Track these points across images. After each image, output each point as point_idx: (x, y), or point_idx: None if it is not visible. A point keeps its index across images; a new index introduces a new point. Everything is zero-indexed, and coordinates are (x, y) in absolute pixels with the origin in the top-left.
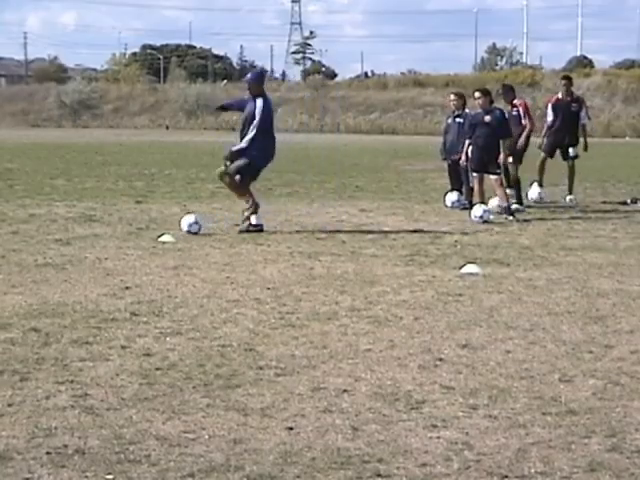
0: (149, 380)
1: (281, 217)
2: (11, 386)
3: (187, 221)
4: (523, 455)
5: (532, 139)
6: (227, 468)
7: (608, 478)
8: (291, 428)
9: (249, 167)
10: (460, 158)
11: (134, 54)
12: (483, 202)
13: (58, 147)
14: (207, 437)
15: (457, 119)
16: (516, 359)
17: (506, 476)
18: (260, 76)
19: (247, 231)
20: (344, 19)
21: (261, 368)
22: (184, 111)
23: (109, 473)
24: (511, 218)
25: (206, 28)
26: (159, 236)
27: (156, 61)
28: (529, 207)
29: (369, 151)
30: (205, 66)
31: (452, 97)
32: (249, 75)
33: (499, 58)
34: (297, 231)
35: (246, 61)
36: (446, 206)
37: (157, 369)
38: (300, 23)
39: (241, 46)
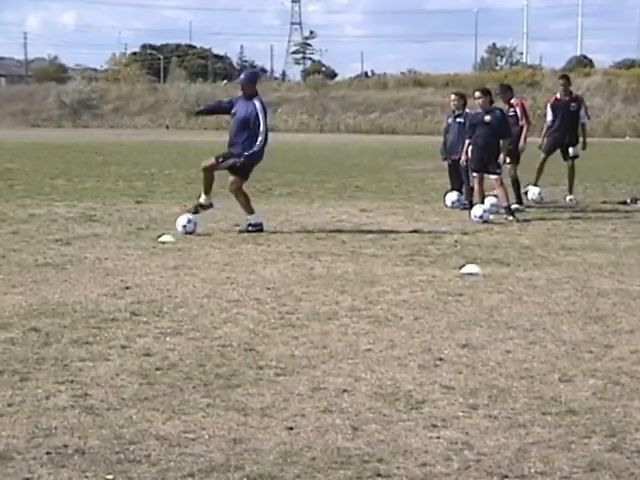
0: (149, 380)
1: (281, 217)
2: (11, 386)
3: (181, 222)
4: (523, 455)
5: (530, 139)
6: (227, 468)
7: (608, 478)
8: (291, 428)
9: (244, 167)
10: (460, 158)
11: (134, 54)
12: (483, 202)
13: (58, 147)
14: (207, 437)
15: (458, 119)
16: (516, 359)
17: (506, 476)
18: (254, 76)
19: (247, 231)
20: (344, 19)
21: (261, 368)
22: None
23: (109, 473)
24: (511, 218)
25: (206, 28)
26: (159, 236)
27: (156, 61)
28: (529, 207)
29: (369, 151)
30: (205, 66)
31: (453, 97)
32: (242, 76)
33: (499, 58)
34: (297, 231)
35: (246, 61)
36: (446, 206)
37: (157, 369)
38: (300, 23)
39: (241, 46)
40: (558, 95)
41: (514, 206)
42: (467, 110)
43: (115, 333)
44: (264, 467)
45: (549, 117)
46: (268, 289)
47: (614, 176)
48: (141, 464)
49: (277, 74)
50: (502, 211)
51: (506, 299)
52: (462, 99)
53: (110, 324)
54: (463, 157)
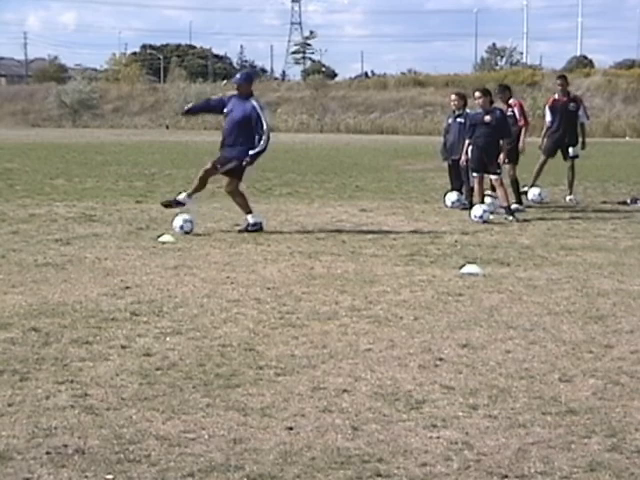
0: (149, 380)
1: (281, 217)
2: (11, 386)
3: (177, 224)
4: (523, 455)
5: (530, 139)
6: (227, 468)
7: (608, 478)
8: (291, 428)
9: (240, 168)
10: (460, 158)
11: (134, 54)
12: (483, 202)
13: (58, 147)
14: (207, 437)
15: (458, 119)
16: (516, 359)
17: (506, 476)
18: (249, 77)
19: (247, 231)
20: (344, 19)
21: (261, 368)
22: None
23: (109, 473)
24: (511, 218)
25: (206, 28)
26: (159, 236)
27: (156, 61)
28: (529, 207)
29: (369, 151)
30: (205, 66)
31: (453, 97)
32: (238, 76)
33: (499, 58)
34: (297, 231)
35: (246, 61)
36: (446, 206)
37: (157, 369)
38: (300, 23)
39: (241, 46)
40: (556, 96)
41: (514, 206)
42: (467, 110)
43: (115, 333)
44: (264, 467)
45: (548, 118)
46: (268, 289)
47: (614, 176)
48: (141, 464)
49: (277, 74)
50: (500, 210)
51: (506, 299)
52: (462, 99)
53: (110, 324)
54: (463, 157)
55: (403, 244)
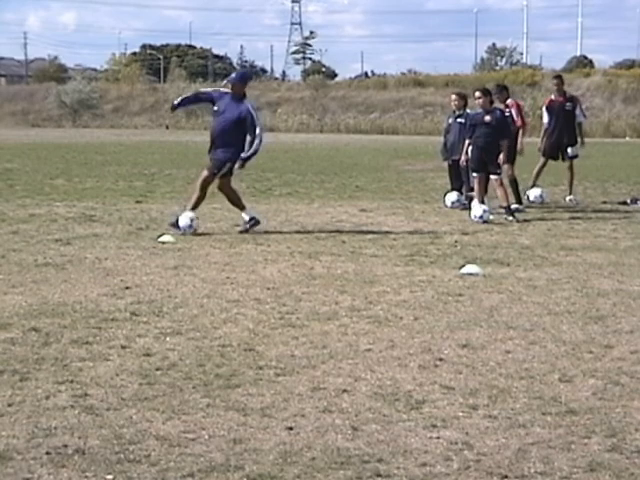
0: (149, 380)
1: (281, 217)
2: (11, 386)
3: (185, 222)
4: (523, 455)
5: (530, 139)
6: (227, 468)
7: (608, 478)
8: (291, 428)
9: (230, 168)
10: (460, 158)
11: (134, 54)
12: (483, 202)
13: (58, 147)
14: (207, 437)
15: (458, 119)
16: (516, 359)
17: (506, 476)
18: (245, 76)
19: (246, 230)
20: (344, 19)
21: (261, 368)
22: (184, 111)
23: (109, 473)
24: (511, 218)
25: (206, 28)
26: (159, 236)
27: (156, 61)
28: (529, 207)
29: (369, 151)
30: (205, 66)
31: (453, 97)
32: (234, 75)
33: (499, 58)
34: (297, 231)
35: (246, 61)
36: (446, 206)
37: (157, 369)
38: (300, 23)
39: (241, 46)
40: (553, 96)
41: (514, 206)
42: (468, 110)
43: (115, 333)
44: (264, 467)
45: (545, 119)
46: (268, 289)
47: (614, 176)
48: (141, 464)
49: (277, 74)
50: (494, 211)
51: (506, 299)
52: (463, 99)
53: (110, 324)
54: (463, 157)
55: (403, 244)
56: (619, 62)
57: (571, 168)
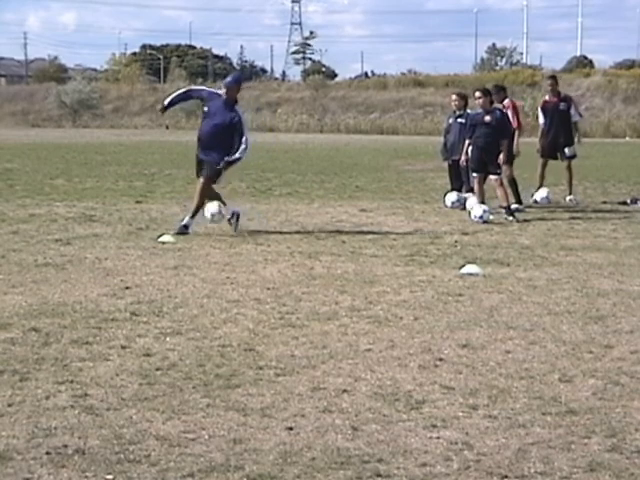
0: (149, 380)
1: (281, 217)
2: (11, 386)
3: (211, 209)
4: (523, 455)
5: (529, 139)
6: (227, 468)
7: (608, 478)
8: (291, 428)
9: (218, 171)
10: (461, 158)
11: (134, 54)
12: (483, 202)
13: (58, 147)
14: (207, 437)
15: (459, 119)
16: (516, 359)
17: (506, 476)
18: (240, 79)
19: (232, 224)
20: (344, 19)
21: (261, 368)
22: (184, 111)
23: (109, 473)
24: (511, 218)
25: (206, 28)
26: (159, 236)
27: (156, 61)
28: (529, 207)
29: (369, 151)
30: (205, 66)
31: (454, 97)
32: (229, 79)
33: (499, 58)
34: (297, 231)
35: (246, 61)
36: (446, 206)
37: (157, 369)
38: (300, 23)
39: (241, 46)
40: (547, 97)
41: (514, 206)
42: (468, 111)
43: (115, 333)
44: (264, 467)
45: (541, 120)
46: (268, 289)
47: (614, 176)
48: (141, 464)
49: (277, 74)
50: (494, 211)
51: (506, 299)
52: (463, 99)
53: (110, 324)
54: (463, 157)
55: (403, 244)
56: (619, 62)
57: (569, 168)
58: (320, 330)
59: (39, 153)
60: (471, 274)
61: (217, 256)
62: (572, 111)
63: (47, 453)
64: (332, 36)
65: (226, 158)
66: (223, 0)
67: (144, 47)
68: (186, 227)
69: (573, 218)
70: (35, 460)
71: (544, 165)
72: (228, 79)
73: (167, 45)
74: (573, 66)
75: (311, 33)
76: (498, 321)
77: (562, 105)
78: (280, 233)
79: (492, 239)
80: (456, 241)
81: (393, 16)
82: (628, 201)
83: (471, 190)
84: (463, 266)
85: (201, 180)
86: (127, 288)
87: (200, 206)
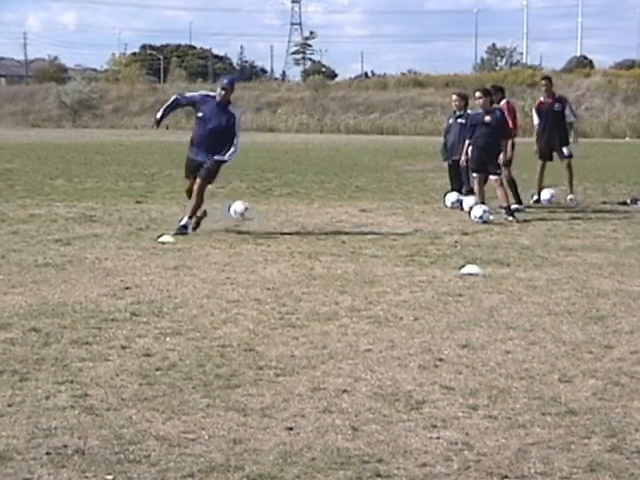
0: (149, 380)
1: (281, 217)
2: (11, 386)
3: (239, 208)
4: (523, 455)
5: (525, 139)
6: (227, 468)
7: (608, 478)
8: (291, 428)
9: (214, 171)
10: (461, 158)
11: (134, 54)
12: (483, 202)
13: (58, 147)
14: (207, 437)
15: (459, 119)
16: (516, 359)
17: (506, 476)
18: (234, 81)
19: (180, 231)
20: (344, 19)
21: (261, 368)
22: (184, 111)
23: (109, 473)
24: (511, 219)
25: (206, 28)
26: (159, 236)
27: (156, 61)
28: (529, 207)
29: (369, 151)
30: (205, 66)
31: (454, 97)
32: (226, 80)
33: (499, 58)
34: (297, 231)
35: (246, 61)
36: (446, 206)
37: (157, 369)
38: (300, 23)
39: (241, 46)
40: (542, 98)
41: (513, 206)
42: (468, 111)
43: (115, 333)
44: (264, 467)
45: (535, 121)
46: (268, 289)
47: (614, 176)
48: (141, 464)
49: (277, 74)
50: (494, 211)
51: (506, 299)
52: (463, 99)
53: (110, 324)
54: (463, 157)
55: (403, 244)
56: (619, 62)
57: (569, 167)
58: (320, 330)
59: (39, 153)
60: (471, 274)
61: (217, 256)
62: (567, 112)
63: (47, 453)
64: (332, 36)
65: (216, 157)
66: (223, 0)
67: (144, 47)
68: (185, 227)
69: (573, 218)
70: (35, 460)
71: (542, 167)
72: (225, 80)
73: (167, 45)
74: (573, 66)
75: (311, 33)
76: (498, 321)
77: (557, 106)
78: (280, 233)
79: (492, 239)
80: (456, 241)
81: (393, 16)
82: (628, 201)
83: (471, 191)
84: (463, 266)
85: (198, 181)
86: (127, 288)
87: (198, 207)
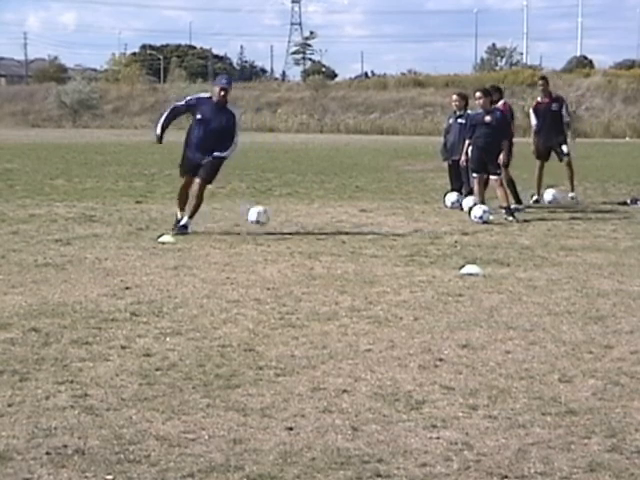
0: (149, 380)
1: (281, 217)
2: (11, 386)
3: (254, 214)
4: (523, 455)
5: (523, 139)
6: (227, 468)
7: (608, 478)
8: (291, 428)
9: (216, 171)
10: (460, 158)
11: (134, 54)
12: (483, 202)
13: (58, 147)
14: (207, 437)
15: (459, 119)
16: (516, 359)
17: (506, 476)
18: (232, 80)
19: (177, 231)
20: (344, 19)
21: (261, 368)
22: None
23: (109, 473)
24: (511, 219)
25: (206, 28)
26: (159, 236)
27: (156, 61)
28: (529, 207)
29: (369, 151)
30: (205, 66)
31: (455, 97)
32: (225, 80)
33: (499, 58)
34: (297, 231)
35: (246, 61)
36: (446, 206)
37: (157, 369)
38: (300, 23)
39: (241, 46)
40: (539, 98)
41: (513, 206)
42: (468, 111)
43: (115, 333)
44: (264, 467)
45: (533, 121)
46: (268, 289)
47: (614, 176)
48: (141, 464)
49: (277, 74)
50: (494, 211)
51: (506, 299)
52: (464, 100)
53: (110, 324)
54: (463, 157)
55: (403, 244)
56: (619, 62)
57: (569, 165)
58: (320, 330)
59: (39, 153)
60: (471, 274)
61: (217, 256)
62: (564, 112)
63: (47, 453)
64: (332, 36)
65: (215, 154)
66: (223, 0)
67: (144, 47)
68: (185, 227)
69: (573, 218)
70: (35, 460)
71: (541, 167)
72: (224, 80)
73: (167, 45)
74: (573, 66)
75: (311, 33)
76: (498, 321)
77: (554, 105)
78: (280, 233)
79: (492, 239)
80: (456, 241)
81: (393, 16)
82: (628, 201)
83: (471, 191)
84: (463, 266)
85: (198, 181)
86: (127, 288)
87: (198, 206)
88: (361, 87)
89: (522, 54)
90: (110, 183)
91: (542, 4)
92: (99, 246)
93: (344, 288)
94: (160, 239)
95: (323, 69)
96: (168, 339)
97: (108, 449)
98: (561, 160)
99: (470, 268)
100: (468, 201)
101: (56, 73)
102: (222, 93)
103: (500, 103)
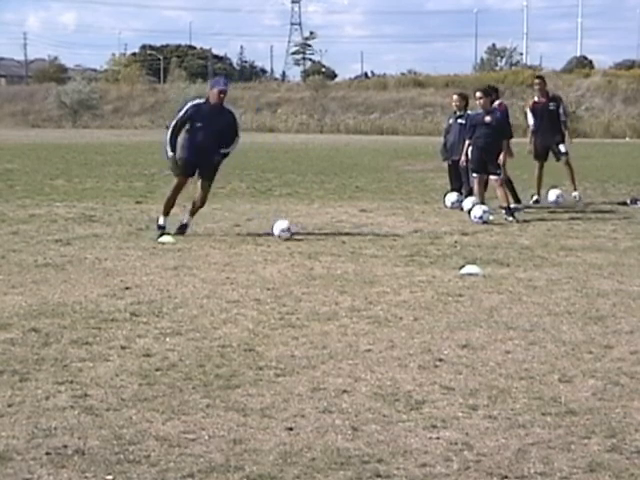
0: (149, 380)
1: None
2: (11, 386)
3: (280, 227)
4: (523, 455)
5: (521, 139)
6: (227, 468)
7: (608, 478)
8: (291, 428)
9: (216, 169)
10: (460, 158)
11: (134, 54)
12: (483, 203)
13: (58, 147)
14: (207, 437)
15: (459, 119)
16: (516, 359)
17: (506, 476)
18: (228, 82)
19: (180, 229)
20: (344, 19)
21: (261, 368)
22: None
23: (109, 473)
24: (511, 219)
25: (206, 28)
26: (159, 236)
27: (156, 61)
28: (528, 208)
29: (369, 151)
30: (205, 66)
31: (455, 97)
32: (223, 81)
33: (499, 58)
34: (297, 231)
35: (246, 61)
36: (446, 207)
37: (157, 369)
38: (300, 23)
39: (241, 46)
40: (536, 98)
41: (513, 206)
42: (468, 111)
43: (115, 333)
44: (264, 467)
45: (530, 121)
46: (268, 290)
47: (614, 176)
48: (141, 464)
49: (277, 74)
50: (494, 211)
51: (506, 299)
52: (464, 100)
53: (110, 324)
54: (463, 157)
55: (403, 244)
56: (619, 62)
57: (568, 164)
58: (320, 330)
59: (39, 153)
60: (471, 274)
61: (217, 256)
62: (561, 111)
63: (47, 453)
64: (332, 36)
65: (221, 150)
66: (223, 0)
67: (144, 47)
68: (185, 227)
69: (573, 218)
70: (35, 460)
71: (540, 167)
72: (222, 82)
73: (167, 45)
74: (573, 66)
75: (311, 33)
76: (498, 321)
77: (551, 105)
78: None
79: (492, 239)
80: (456, 241)
81: (393, 16)
82: (628, 201)
83: (471, 191)
84: (463, 266)
85: (204, 184)
86: (127, 288)
87: (201, 207)
88: (361, 87)
89: (522, 54)
90: (110, 183)
91: (542, 4)
92: (99, 246)
93: (344, 288)
94: (160, 239)
95: (323, 69)
96: (168, 339)
97: (108, 449)
98: (558, 160)
99: (470, 268)
100: (468, 203)
101: (56, 73)
102: (221, 96)
103: (496, 103)
